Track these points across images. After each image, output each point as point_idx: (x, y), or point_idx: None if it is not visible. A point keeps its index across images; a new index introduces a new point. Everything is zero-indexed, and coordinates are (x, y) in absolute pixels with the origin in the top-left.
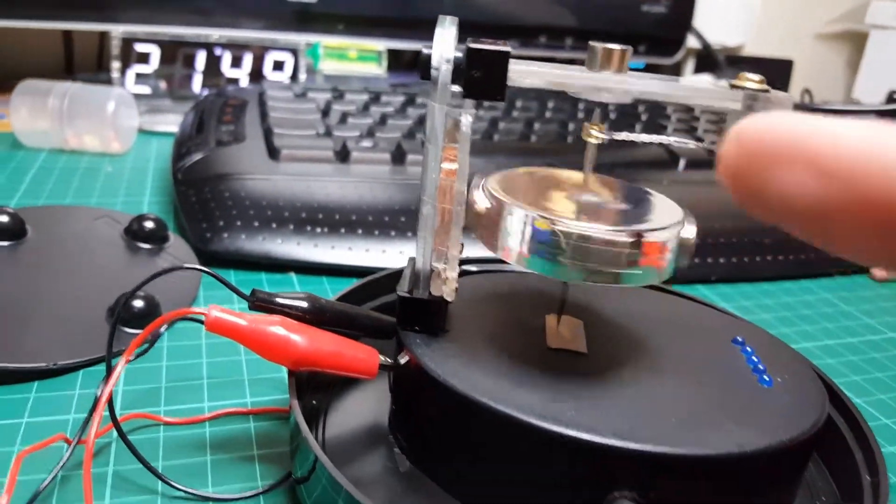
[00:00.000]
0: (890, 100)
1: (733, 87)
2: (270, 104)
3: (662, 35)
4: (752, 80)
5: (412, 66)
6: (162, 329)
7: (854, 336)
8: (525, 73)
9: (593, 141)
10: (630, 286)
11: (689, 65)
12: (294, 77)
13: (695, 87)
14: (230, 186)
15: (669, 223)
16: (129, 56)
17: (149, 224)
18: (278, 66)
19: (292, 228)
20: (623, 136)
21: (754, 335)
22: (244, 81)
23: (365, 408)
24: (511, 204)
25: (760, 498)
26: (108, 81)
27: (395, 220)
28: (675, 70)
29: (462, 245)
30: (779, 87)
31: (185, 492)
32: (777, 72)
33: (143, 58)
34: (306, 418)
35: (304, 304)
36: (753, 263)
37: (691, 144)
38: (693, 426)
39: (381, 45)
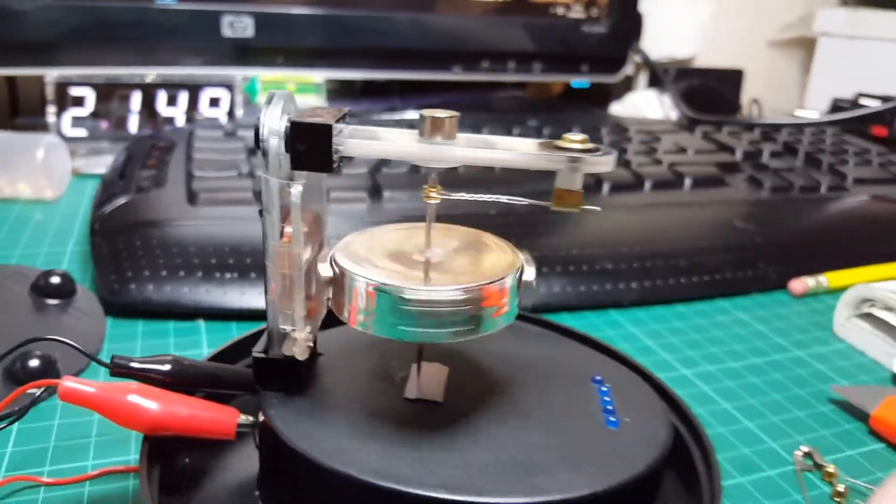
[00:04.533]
0: (834, 109)
1: (557, 147)
2: (197, 145)
3: (605, 53)
4: (575, 142)
5: (360, 93)
6: (38, 392)
7: (760, 356)
8: (353, 145)
9: (431, 202)
10: (474, 338)
11: (642, 79)
12: (231, 113)
13: (519, 152)
14: (143, 235)
15: (507, 272)
16: (65, 99)
17: (55, 280)
18: (214, 102)
19: (200, 276)
20: (459, 195)
21: (614, 373)
22: (180, 120)
23: (240, 464)
24: (352, 272)
25: None
26: (46, 126)
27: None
28: (627, 86)
29: (310, 306)
30: (729, 97)
31: None
32: (728, 82)
33: (79, 101)
34: (173, 475)
35: (164, 368)
36: (667, 286)
37: (524, 202)
38: (526, 474)
39: (321, 75)
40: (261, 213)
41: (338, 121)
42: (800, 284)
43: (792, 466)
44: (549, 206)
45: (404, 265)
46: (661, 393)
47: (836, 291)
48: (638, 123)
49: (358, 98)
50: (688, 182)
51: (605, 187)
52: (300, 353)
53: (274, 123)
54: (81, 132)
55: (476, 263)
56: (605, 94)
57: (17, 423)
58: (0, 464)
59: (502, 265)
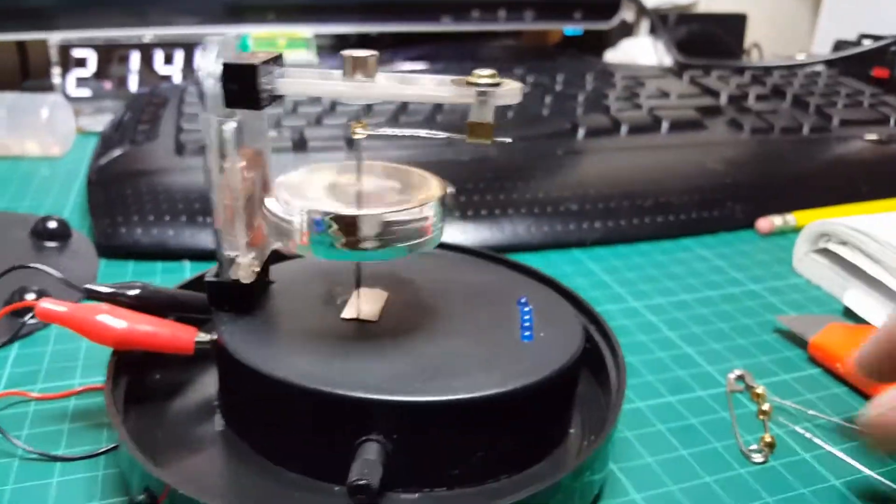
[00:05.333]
0: (837, 48)
1: (468, 83)
2: (187, 100)
3: (598, 0)
4: (483, 77)
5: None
6: (27, 318)
7: (714, 289)
8: (282, 84)
9: (358, 137)
10: (403, 256)
11: (644, 26)
12: None
13: (434, 89)
14: (134, 184)
15: (431, 199)
16: (68, 61)
17: (52, 224)
18: None
19: (185, 220)
20: (383, 131)
21: (540, 295)
22: (177, 77)
23: (205, 379)
24: (291, 202)
25: (506, 437)
26: (52, 88)
27: None
28: (626, 33)
29: (248, 233)
30: (732, 42)
31: (37, 453)
32: (730, 27)
33: (81, 62)
34: (144, 390)
35: (132, 292)
36: (631, 226)
37: (442, 136)
38: (437, 378)
39: (311, 30)
40: (202, 148)
41: (270, 62)
42: (766, 223)
43: (724, 388)
44: (464, 138)
45: (338, 197)
46: (582, 310)
47: None
48: (626, 69)
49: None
50: (665, 126)
51: (581, 132)
52: (245, 277)
53: (210, 66)
54: (85, 92)
55: (404, 193)
56: (602, 42)
57: (15, 349)
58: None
59: (428, 194)
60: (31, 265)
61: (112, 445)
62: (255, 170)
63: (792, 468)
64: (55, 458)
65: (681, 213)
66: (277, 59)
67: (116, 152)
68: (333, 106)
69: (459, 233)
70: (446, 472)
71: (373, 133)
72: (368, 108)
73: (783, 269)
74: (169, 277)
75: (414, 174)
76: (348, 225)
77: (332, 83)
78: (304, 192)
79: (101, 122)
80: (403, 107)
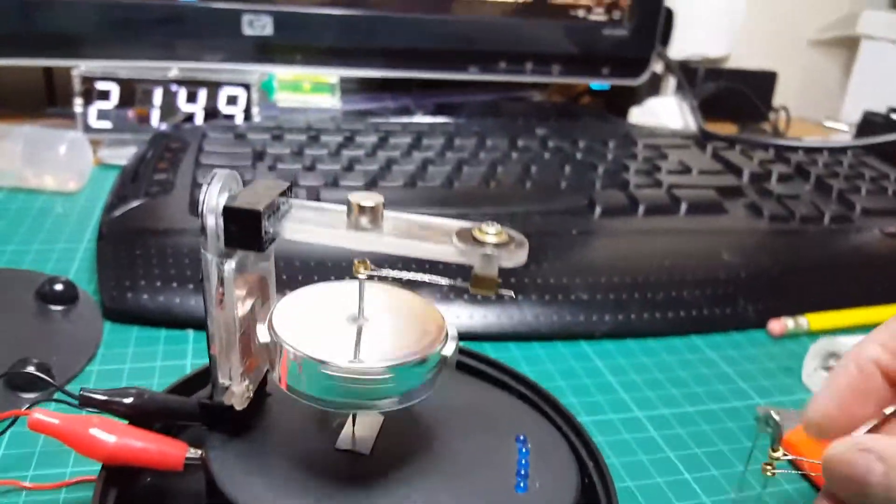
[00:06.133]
0: (864, 122)
1: (474, 239)
2: (206, 149)
3: (627, 56)
4: (489, 234)
5: (376, 90)
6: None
7: (718, 402)
8: (285, 229)
9: (360, 276)
10: (396, 409)
11: (671, 81)
12: (248, 111)
13: (438, 250)
14: (144, 243)
15: (427, 346)
16: (91, 93)
17: (58, 287)
18: (232, 100)
19: (191, 287)
20: (385, 272)
21: (541, 432)
22: (199, 116)
23: (198, 486)
24: (283, 342)
25: None
26: (74, 117)
27: (295, 277)
28: (654, 85)
29: (243, 362)
30: (759, 101)
31: None
32: (759, 85)
33: (104, 95)
34: (134, 495)
35: (127, 401)
36: (641, 321)
37: (443, 282)
38: None
39: (337, 74)
40: (200, 280)
41: (281, 194)
42: (778, 325)
43: None
44: (468, 287)
45: (336, 332)
46: (586, 448)
47: (818, 334)
48: (650, 135)
49: (374, 94)
50: (684, 207)
51: (598, 210)
52: (238, 404)
53: (212, 202)
54: (106, 124)
55: (404, 331)
56: (629, 97)
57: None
58: None
59: (429, 336)
60: (29, 371)
61: None
62: (256, 296)
63: None
64: None
65: (692, 308)
66: (285, 192)
67: (131, 204)
68: (351, 167)
69: (467, 316)
70: None
71: (375, 273)
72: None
73: (792, 381)
74: (171, 347)
75: (418, 306)
76: (342, 378)
77: (336, 233)
78: (301, 323)
79: (120, 154)
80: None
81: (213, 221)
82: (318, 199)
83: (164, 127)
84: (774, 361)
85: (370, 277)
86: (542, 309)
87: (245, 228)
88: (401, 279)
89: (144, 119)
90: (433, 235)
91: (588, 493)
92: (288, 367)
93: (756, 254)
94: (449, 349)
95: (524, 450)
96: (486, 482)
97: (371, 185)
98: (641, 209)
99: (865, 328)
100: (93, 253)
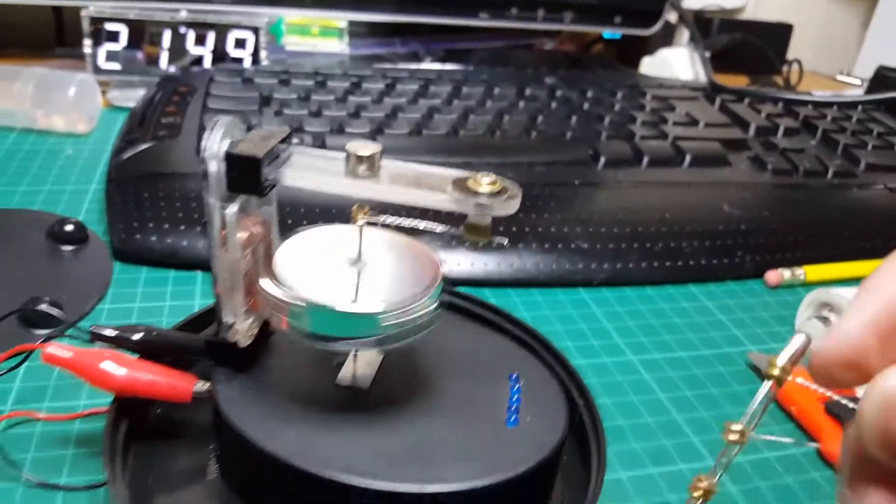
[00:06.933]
0: (877, 77)
1: (469, 189)
2: (213, 93)
3: (640, 5)
4: (484, 185)
5: (384, 35)
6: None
7: (711, 348)
8: (285, 175)
9: (359, 224)
10: (393, 348)
11: (685, 33)
12: (255, 54)
13: (434, 198)
14: (152, 186)
15: (428, 286)
16: (101, 34)
17: (69, 227)
18: (240, 43)
19: (199, 230)
20: (384, 219)
21: (534, 371)
22: (208, 59)
23: (205, 418)
24: (284, 284)
25: None
26: (84, 58)
27: (300, 222)
28: (668, 35)
29: (247, 301)
30: (773, 54)
31: (40, 483)
32: (774, 37)
33: (113, 36)
34: (144, 424)
35: (136, 337)
36: (639, 270)
37: (438, 229)
38: (421, 464)
39: (345, 17)
40: (204, 223)
41: (282, 141)
42: (775, 276)
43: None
44: (461, 235)
45: (336, 274)
46: (577, 386)
47: (814, 285)
48: (658, 87)
49: (383, 39)
50: (688, 159)
51: (601, 161)
52: (242, 341)
53: (214, 148)
54: (115, 66)
55: (401, 274)
56: (641, 47)
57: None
58: (8, 397)
59: (426, 276)
60: (39, 308)
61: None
62: (259, 239)
63: None
64: (58, 488)
65: (690, 259)
66: (286, 139)
67: (138, 147)
68: (357, 113)
69: (468, 263)
70: None
71: (372, 220)
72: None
73: (785, 329)
74: (180, 288)
75: (415, 249)
76: (341, 318)
77: (334, 180)
78: (302, 266)
79: (128, 97)
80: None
81: (216, 167)
82: (323, 145)
83: (172, 70)
84: (769, 311)
85: (368, 223)
86: (542, 257)
87: (245, 174)
88: (398, 226)
89: (153, 61)
90: (429, 184)
91: (578, 430)
92: (289, 309)
93: (757, 207)
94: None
95: (516, 388)
96: (478, 417)
97: (376, 132)
98: (645, 161)
99: (860, 280)
100: (102, 195)
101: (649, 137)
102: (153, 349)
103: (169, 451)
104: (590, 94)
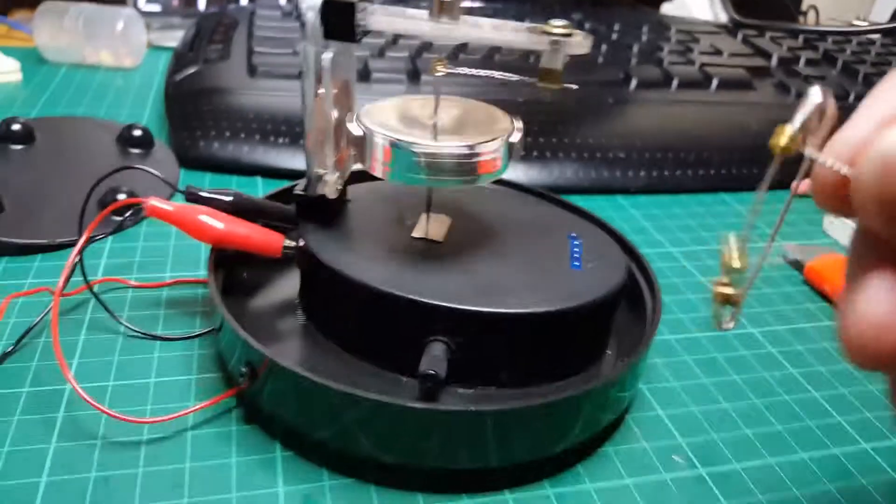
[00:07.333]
0: (894, 18)
1: (543, 32)
2: (258, 23)
3: None
4: (557, 27)
5: None
6: (126, 216)
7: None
8: (375, 20)
9: (438, 75)
10: (472, 186)
11: None
12: None
13: (512, 34)
14: (210, 100)
15: (500, 134)
16: None
17: (137, 132)
18: None
19: (258, 139)
20: (461, 70)
21: (590, 232)
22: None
23: (285, 281)
24: (375, 131)
25: (549, 350)
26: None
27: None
28: None
29: (339, 155)
30: (789, 2)
31: (140, 332)
32: None
33: None
34: (234, 286)
35: (227, 198)
36: (673, 177)
37: (514, 77)
38: (497, 293)
39: None
40: (300, 74)
41: None
42: (803, 184)
43: (745, 329)
44: (535, 82)
45: (416, 127)
46: (625, 248)
47: None
48: (682, 23)
49: None
50: (715, 83)
51: (633, 83)
52: (330, 193)
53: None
54: (155, 7)
55: (476, 127)
56: None
57: (109, 242)
58: (97, 270)
59: (498, 129)
60: (138, 167)
61: (209, 329)
62: (344, 99)
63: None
64: (156, 338)
65: (721, 168)
66: None
67: (191, 69)
68: (395, 40)
69: (511, 172)
70: (497, 374)
71: (451, 71)
72: (429, 46)
73: (813, 229)
74: (243, 191)
75: (487, 110)
76: (426, 155)
77: (418, 22)
78: (387, 120)
79: (168, 37)
80: (463, 46)
81: (313, 16)
82: (366, 68)
83: (211, 10)
84: (798, 214)
85: (447, 75)
86: (582, 166)
87: (341, 20)
88: (474, 75)
89: (191, 2)
90: (506, 27)
91: (632, 289)
92: (379, 154)
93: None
94: (516, 137)
95: (576, 242)
96: (545, 263)
97: (415, 57)
98: (675, 83)
99: None
100: (158, 115)
101: (677, 63)
102: (241, 211)
103: (258, 307)
104: (616, 26)
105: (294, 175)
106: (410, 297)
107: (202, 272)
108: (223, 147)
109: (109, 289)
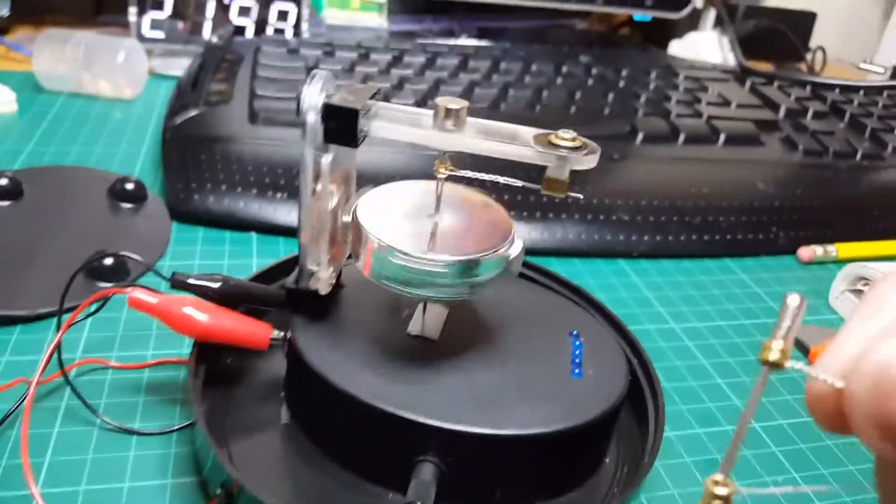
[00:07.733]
0: None
1: (550, 143)
2: (261, 62)
3: None
4: (565, 140)
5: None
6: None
7: (749, 318)
8: (375, 127)
9: (440, 176)
10: (460, 301)
11: (710, 16)
12: (297, 26)
13: (517, 150)
14: (208, 149)
15: (499, 244)
16: (145, 2)
17: (129, 186)
18: (282, 15)
19: (255, 193)
20: (464, 173)
21: (592, 328)
22: (250, 30)
23: (271, 368)
24: (367, 231)
25: (546, 468)
26: (127, 25)
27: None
28: (693, 19)
29: (334, 250)
30: (797, 42)
31: (116, 426)
32: (798, 24)
33: (158, 4)
34: (217, 373)
35: (215, 285)
36: (678, 242)
37: (518, 184)
38: (492, 409)
39: None
40: (297, 173)
41: (371, 97)
42: (808, 252)
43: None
44: (539, 189)
45: (414, 225)
46: (631, 347)
47: (845, 262)
48: (690, 68)
49: (418, 16)
50: (722, 138)
51: (640, 136)
52: (323, 289)
53: (312, 100)
54: (159, 34)
55: (475, 232)
56: (668, 28)
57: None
58: (77, 346)
59: (498, 236)
60: (124, 254)
61: (187, 423)
62: (343, 189)
63: None
64: (132, 432)
65: (727, 233)
66: (374, 95)
67: (191, 112)
68: (401, 85)
69: None
70: (491, 492)
71: (454, 173)
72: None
73: (819, 303)
74: (237, 248)
75: (488, 206)
76: (417, 271)
77: (422, 131)
78: (385, 213)
79: (172, 65)
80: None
81: (314, 118)
82: None
83: (215, 40)
84: (803, 284)
85: (449, 177)
86: (584, 227)
87: (343, 125)
88: (477, 179)
89: (196, 31)
90: (512, 137)
91: (633, 389)
92: (372, 256)
93: (790, 185)
94: (514, 251)
95: (578, 343)
96: (544, 368)
97: (421, 103)
98: (682, 138)
99: (891, 259)
100: (154, 157)
101: (684, 116)
102: (230, 298)
103: (241, 397)
104: (624, 72)
105: (289, 231)
106: (400, 413)
107: (186, 350)
108: (218, 200)
109: (89, 370)
